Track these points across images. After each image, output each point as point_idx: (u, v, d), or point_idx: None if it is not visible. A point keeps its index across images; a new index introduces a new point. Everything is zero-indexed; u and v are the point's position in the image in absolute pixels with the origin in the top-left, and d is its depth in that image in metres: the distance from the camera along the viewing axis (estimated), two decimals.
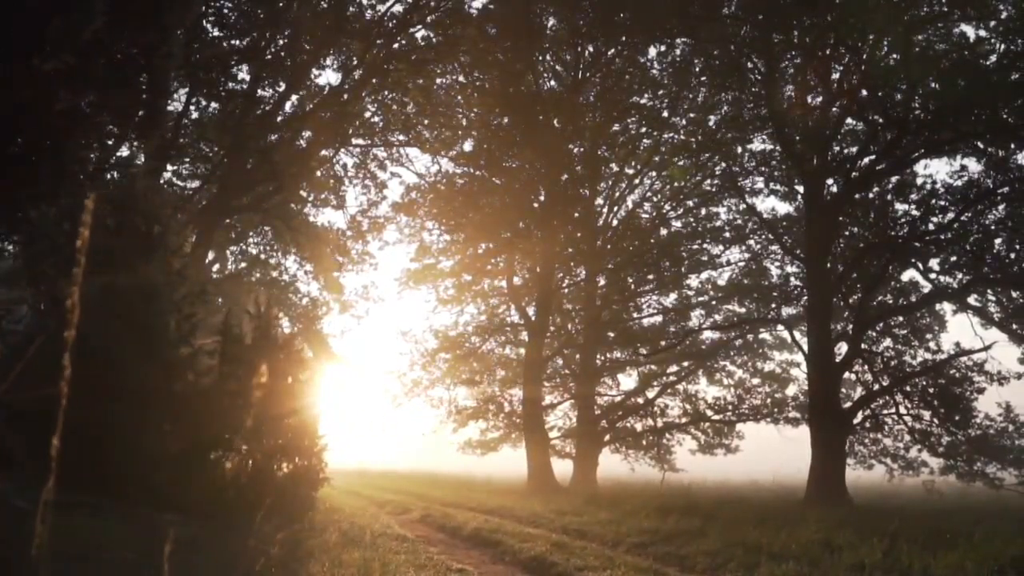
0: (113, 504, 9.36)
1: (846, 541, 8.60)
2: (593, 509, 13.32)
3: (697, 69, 24.32)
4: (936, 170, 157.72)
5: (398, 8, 20.60)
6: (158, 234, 12.16)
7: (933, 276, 21.10)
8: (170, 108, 19.94)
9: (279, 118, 21.17)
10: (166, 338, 11.52)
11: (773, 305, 26.15)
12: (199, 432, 11.55)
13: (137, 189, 13.71)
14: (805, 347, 20.76)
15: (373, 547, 7.59)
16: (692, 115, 26.04)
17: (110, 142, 12.65)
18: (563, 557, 7.79)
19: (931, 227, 20.43)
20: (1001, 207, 20.02)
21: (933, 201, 20.31)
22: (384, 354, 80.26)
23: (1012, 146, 19.32)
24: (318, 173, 23.40)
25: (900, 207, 21.23)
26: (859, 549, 8.10)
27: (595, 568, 7.22)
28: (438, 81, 24.01)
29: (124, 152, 16.47)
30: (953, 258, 20.75)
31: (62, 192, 9.55)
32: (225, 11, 17.66)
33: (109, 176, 14.08)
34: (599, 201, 28.72)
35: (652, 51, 25.50)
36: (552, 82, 27.20)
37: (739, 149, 24.85)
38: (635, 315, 29.47)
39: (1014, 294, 20.75)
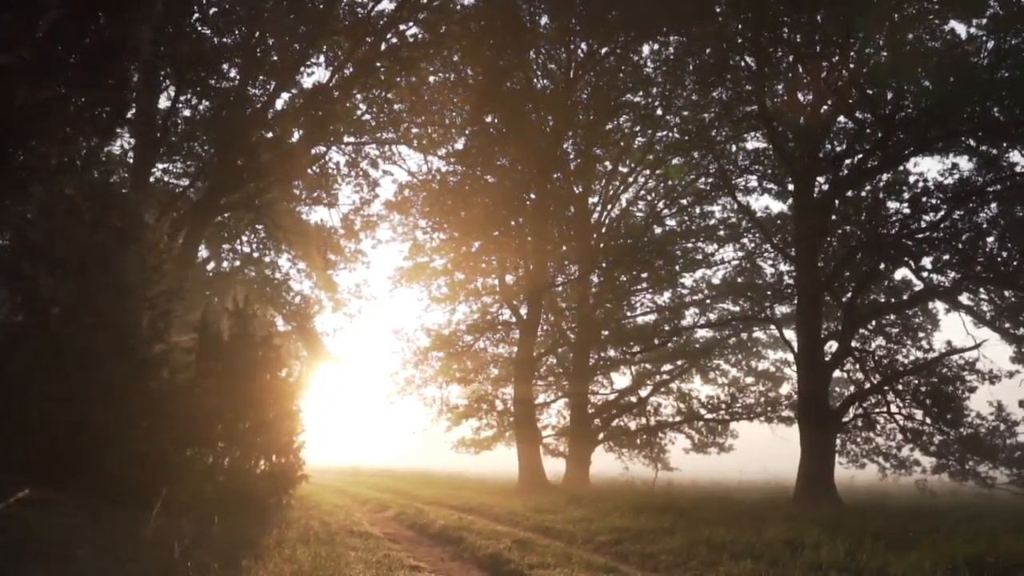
0: (86, 502, 9.37)
1: (812, 540, 8.55)
2: (571, 507, 13.29)
3: (690, 67, 24.19)
4: (927, 168, 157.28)
5: (389, 6, 20.62)
6: (134, 230, 12.13)
7: (925, 274, 20.98)
8: (161, 106, 20.04)
9: (269, 115, 21.18)
10: (139, 335, 11.48)
11: (766, 304, 26.02)
12: (175, 429, 11.53)
13: (114, 185, 13.69)
14: (796, 346, 20.66)
15: (330, 544, 7.58)
16: (685, 113, 25.92)
17: (96, 139, 12.65)
18: (520, 555, 7.76)
19: (923, 225, 20.30)
20: (993, 205, 19.90)
21: (924, 199, 20.16)
22: (377, 352, 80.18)
23: (1003, 144, 19.17)
24: (309, 171, 23.38)
25: (891, 205, 21.11)
26: (822, 549, 8.04)
27: (549, 566, 7.18)
28: (429, 79, 23.95)
29: (108, 148, 16.49)
30: (945, 256, 20.61)
31: (29, 188, 9.52)
32: (210, 9, 17.66)
33: (95, 173, 14.11)
34: (593, 199, 28.67)
35: (645, 49, 25.44)
36: (545, 80, 27.15)
37: (732, 147, 24.77)
38: (628, 314, 29.41)
39: (1006, 293, 20.60)
